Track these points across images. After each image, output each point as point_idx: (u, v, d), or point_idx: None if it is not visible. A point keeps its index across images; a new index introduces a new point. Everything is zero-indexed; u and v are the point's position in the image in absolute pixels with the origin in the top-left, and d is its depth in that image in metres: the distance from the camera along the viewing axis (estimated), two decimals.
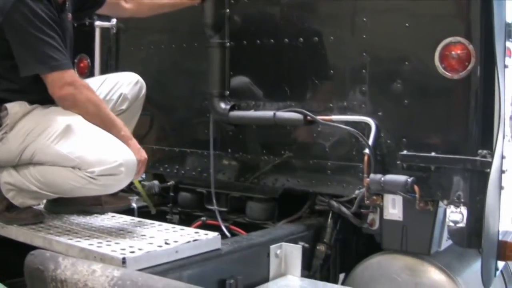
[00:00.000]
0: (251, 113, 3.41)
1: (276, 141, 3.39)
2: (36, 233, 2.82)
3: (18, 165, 2.86)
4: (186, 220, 3.74)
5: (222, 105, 3.44)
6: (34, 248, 2.53)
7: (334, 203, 3.19)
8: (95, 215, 3.17)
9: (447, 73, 2.79)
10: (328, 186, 3.19)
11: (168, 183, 3.87)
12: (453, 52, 2.76)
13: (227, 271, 2.68)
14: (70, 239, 2.69)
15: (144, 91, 3.29)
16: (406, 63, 2.91)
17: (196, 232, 2.80)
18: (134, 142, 2.83)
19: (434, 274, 2.92)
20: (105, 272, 2.19)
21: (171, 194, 3.87)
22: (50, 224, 2.97)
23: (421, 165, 2.85)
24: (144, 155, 2.84)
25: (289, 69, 3.32)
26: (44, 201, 3.19)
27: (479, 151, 2.73)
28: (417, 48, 2.90)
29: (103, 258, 2.45)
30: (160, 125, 3.97)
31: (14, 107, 2.83)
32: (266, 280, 2.88)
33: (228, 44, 3.47)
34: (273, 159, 3.39)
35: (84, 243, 2.62)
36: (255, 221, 3.51)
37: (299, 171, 3.30)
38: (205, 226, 3.46)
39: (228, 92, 3.47)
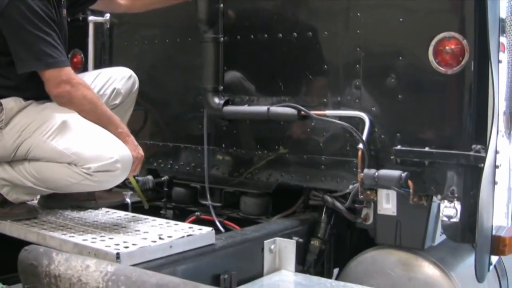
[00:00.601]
0: (245, 108, 3.40)
1: (270, 136, 3.38)
2: (30, 228, 2.81)
3: (13, 161, 2.85)
4: (180, 215, 3.73)
5: (216, 100, 3.43)
6: (28, 243, 2.53)
7: (328, 198, 3.19)
8: (89, 210, 3.17)
9: (441, 68, 2.79)
10: (322, 181, 3.19)
11: (162, 178, 3.86)
12: (447, 47, 2.76)
13: (221, 266, 2.68)
14: (64, 234, 2.69)
15: (137, 85, 3.29)
16: (400, 58, 2.90)
17: (190, 227, 2.80)
18: (131, 139, 2.83)
19: (428, 269, 2.92)
20: (99, 267, 2.19)
21: (165, 189, 3.85)
22: (44, 220, 2.96)
23: (415, 160, 2.85)
24: (141, 152, 2.84)
25: (283, 64, 3.31)
26: (38, 196, 3.19)
27: (473, 146, 2.73)
28: (411, 43, 2.89)
29: (97, 254, 2.45)
30: (154, 120, 3.96)
31: (9, 103, 2.82)
32: (260, 275, 2.87)
33: (222, 39, 3.45)
34: (267, 154, 3.38)
35: (78, 239, 2.62)
36: (249, 216, 3.51)
37: (293, 166, 3.30)
38: (199, 221, 3.45)
39: (222, 87, 3.46)
